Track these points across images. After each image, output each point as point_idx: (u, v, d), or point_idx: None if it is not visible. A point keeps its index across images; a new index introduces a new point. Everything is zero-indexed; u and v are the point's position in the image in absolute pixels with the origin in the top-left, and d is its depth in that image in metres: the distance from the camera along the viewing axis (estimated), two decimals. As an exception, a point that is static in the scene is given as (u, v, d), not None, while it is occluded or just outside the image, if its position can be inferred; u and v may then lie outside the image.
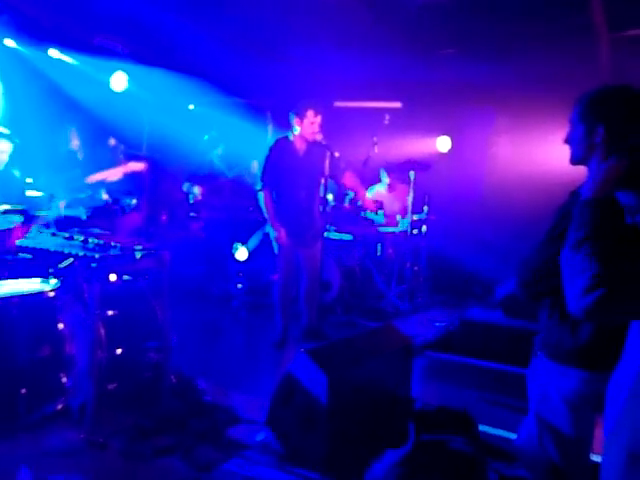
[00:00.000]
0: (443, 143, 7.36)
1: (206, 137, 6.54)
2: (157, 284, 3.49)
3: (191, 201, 6.34)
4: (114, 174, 5.20)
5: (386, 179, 6.68)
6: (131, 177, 5.45)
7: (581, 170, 1.88)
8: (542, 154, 6.43)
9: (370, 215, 6.49)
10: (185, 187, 6.41)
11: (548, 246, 1.77)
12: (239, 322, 5.71)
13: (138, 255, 3.22)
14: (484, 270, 6.42)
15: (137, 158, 5.46)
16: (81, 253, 3.09)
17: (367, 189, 6.51)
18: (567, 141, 1.90)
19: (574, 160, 1.89)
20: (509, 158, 6.98)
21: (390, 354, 3.13)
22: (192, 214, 6.47)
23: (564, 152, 1.92)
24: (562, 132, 1.92)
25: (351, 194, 5.93)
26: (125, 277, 3.49)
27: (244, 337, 5.33)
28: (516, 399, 3.33)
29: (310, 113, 4.43)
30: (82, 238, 3.32)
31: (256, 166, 6.15)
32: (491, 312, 4.52)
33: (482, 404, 3.60)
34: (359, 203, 5.83)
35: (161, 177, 6.50)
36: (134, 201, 4.68)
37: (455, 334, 4.59)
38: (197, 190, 6.33)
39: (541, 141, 6.44)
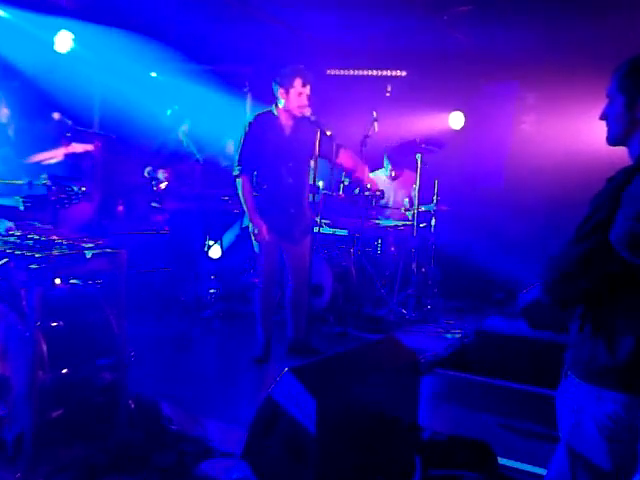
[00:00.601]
0: (456, 120, 7.38)
1: (169, 112, 6.48)
2: (112, 289, 3.47)
3: (154, 188, 6.30)
4: (58, 155, 5.15)
5: (389, 164, 6.69)
6: (79, 159, 5.41)
7: (621, 151, 1.87)
8: (575, 133, 6.48)
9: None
10: (147, 171, 6.36)
11: (578, 242, 1.76)
12: (212, 334, 5.70)
13: (88, 254, 3.19)
14: (505, 271, 6.46)
15: (86, 136, 5.40)
16: (18, 252, 3.05)
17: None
18: (604, 117, 1.89)
19: (612, 139, 1.89)
20: (536, 138, 7.03)
21: (392, 372, 3.12)
22: (155, 204, 6.43)
23: (601, 130, 1.91)
24: (598, 108, 1.92)
25: (346, 180, 5.92)
26: (72, 281, 3.46)
27: (218, 353, 5.31)
28: (544, 426, 3.34)
29: (297, 82, 4.42)
30: (19, 234, 3.28)
31: (232, 147, 6.12)
32: (513, 322, 4.55)
33: (503, 432, 3.59)
34: (368, 187, 5.82)
35: (116, 159, 6.46)
36: (83, 188, 4.63)
37: (470, 348, 4.61)
38: (161, 175, 6.28)
39: (574, 118, 6.48)
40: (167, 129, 6.60)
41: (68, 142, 5.26)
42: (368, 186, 5.63)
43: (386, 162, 6.71)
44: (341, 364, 2.96)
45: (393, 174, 6.68)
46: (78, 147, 5.36)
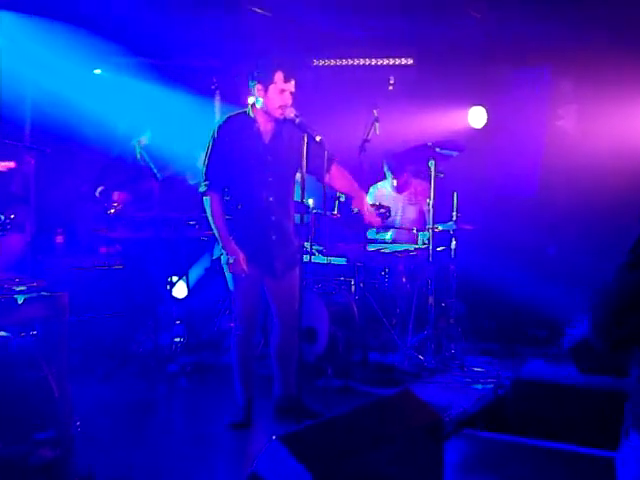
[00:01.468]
0: (477, 117, 7.43)
1: (125, 120, 6.51)
2: (51, 342, 3.46)
3: (107, 212, 6.31)
4: None
5: (391, 177, 6.71)
6: (6, 181, 5.40)
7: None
8: (627, 128, 6.51)
9: (375, 235, 6.48)
10: (98, 192, 6.37)
11: (634, 269, 1.76)
12: (178, 395, 5.65)
13: (20, 299, 3.18)
14: (546, 303, 6.46)
15: (13, 151, 5.40)
16: None
17: (367, 190, 6.55)
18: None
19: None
20: (576, 136, 7.07)
21: (409, 437, 3.09)
22: (104, 232, 6.42)
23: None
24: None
25: (343, 196, 5.93)
26: (0, 333, 3.43)
27: (187, 418, 5.27)
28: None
29: (278, 77, 4.44)
30: None
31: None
32: (558, 367, 4.54)
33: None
34: (355, 211, 5.85)
35: (54, 178, 6.44)
36: (12, 216, 4.61)
37: (506, 401, 4.59)
38: (116, 197, 6.28)
39: (625, 109, 6.52)
40: (121, 139, 6.63)
41: None
42: (354, 211, 5.57)
43: (387, 172, 6.73)
44: (343, 429, 2.93)
45: (395, 183, 6.70)
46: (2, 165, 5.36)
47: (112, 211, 6.24)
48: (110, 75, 7.70)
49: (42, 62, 6.84)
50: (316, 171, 4.48)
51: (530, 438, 4.23)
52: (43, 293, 3.32)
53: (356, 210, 5.81)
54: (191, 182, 6.42)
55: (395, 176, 6.69)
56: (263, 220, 4.57)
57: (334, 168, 4.72)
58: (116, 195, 6.31)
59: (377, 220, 5.28)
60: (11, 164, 5.25)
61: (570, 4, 6.26)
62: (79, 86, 7.12)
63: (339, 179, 4.81)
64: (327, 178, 4.54)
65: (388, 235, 6.69)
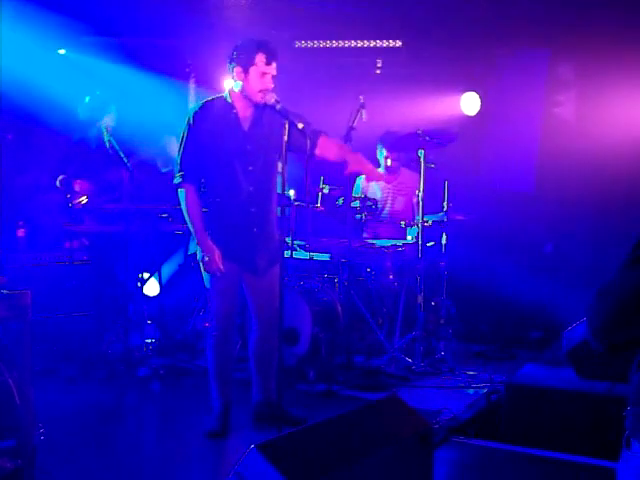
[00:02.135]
0: (469, 103, 7.45)
1: (87, 99, 6.46)
2: (12, 344, 3.43)
3: (69, 204, 6.26)
4: None
5: (384, 156, 6.69)
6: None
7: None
8: (630, 117, 6.53)
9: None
10: (58, 181, 6.32)
11: (636, 266, 1.77)
12: (150, 401, 5.65)
13: (-22, 298, 3.15)
14: (542, 303, 6.49)
15: None
16: None
17: (353, 181, 6.56)
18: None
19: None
20: (575, 124, 7.09)
21: (396, 445, 3.10)
22: (69, 225, 6.38)
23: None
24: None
25: (326, 188, 5.93)
26: (-43, 335, 3.42)
27: (159, 426, 5.27)
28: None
29: (260, 59, 4.43)
30: None
31: (175, 145, 6.08)
32: (555, 371, 4.56)
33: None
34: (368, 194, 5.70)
35: (14, 166, 6.40)
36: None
37: (500, 407, 4.60)
38: (77, 187, 6.23)
39: (627, 96, 6.54)
40: (86, 122, 6.58)
41: None
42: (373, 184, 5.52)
43: (380, 150, 6.71)
44: (326, 436, 2.94)
45: (389, 163, 6.68)
46: None
47: (78, 202, 6.20)
48: (75, 55, 7.65)
49: (1, 42, 6.78)
50: (301, 149, 4.47)
51: (525, 446, 4.25)
52: (3, 291, 3.30)
53: (341, 201, 5.84)
54: (162, 170, 6.38)
55: (389, 153, 6.66)
56: (243, 212, 4.57)
57: (322, 139, 4.70)
58: (78, 185, 6.24)
59: (377, 175, 5.27)
60: None
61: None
62: (42, 67, 7.07)
63: (330, 148, 4.77)
64: (319, 150, 4.63)
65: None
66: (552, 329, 6.20)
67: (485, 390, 5.38)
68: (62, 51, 7.61)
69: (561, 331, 4.74)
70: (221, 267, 4.51)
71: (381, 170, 6.76)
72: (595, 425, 4.03)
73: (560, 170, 6.98)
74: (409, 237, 6.43)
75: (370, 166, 4.98)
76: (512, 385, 4.67)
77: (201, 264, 4.57)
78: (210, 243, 4.51)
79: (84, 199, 6.22)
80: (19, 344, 3.40)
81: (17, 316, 3.31)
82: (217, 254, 4.50)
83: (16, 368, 3.39)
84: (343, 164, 4.91)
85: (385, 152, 6.70)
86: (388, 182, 6.72)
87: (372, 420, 3.16)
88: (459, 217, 6.34)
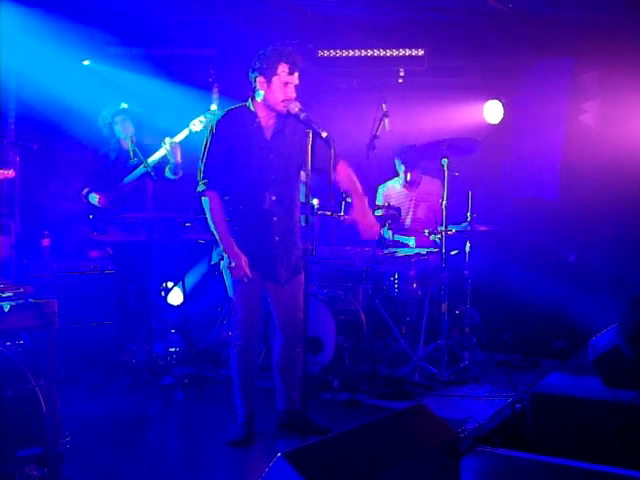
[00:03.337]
0: (493, 111, 7.43)
1: (105, 112, 6.45)
2: (39, 353, 3.44)
3: (91, 216, 6.29)
4: None
5: (404, 171, 6.71)
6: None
7: None
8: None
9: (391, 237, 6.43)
10: (83, 194, 6.35)
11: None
12: (174, 409, 5.64)
13: (6, 307, 3.17)
14: (567, 312, 6.44)
15: (2, 153, 5.41)
16: None
17: (375, 190, 6.56)
18: None
19: None
20: (600, 132, 7.04)
21: (422, 454, 3.08)
22: (94, 235, 6.42)
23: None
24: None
25: (350, 197, 5.92)
26: (-16, 343, 3.43)
27: (182, 435, 5.26)
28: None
29: (282, 69, 4.44)
30: None
31: (177, 150, 6.02)
32: (582, 380, 4.52)
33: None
34: (390, 202, 5.75)
35: (40, 177, 6.45)
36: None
37: (525, 417, 4.56)
38: (94, 199, 6.22)
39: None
40: (108, 134, 6.61)
41: None
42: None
43: (399, 165, 6.72)
44: (353, 445, 2.93)
45: (408, 177, 6.68)
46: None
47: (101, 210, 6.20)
48: (100, 66, 7.72)
49: (27, 52, 6.85)
50: (324, 168, 4.44)
51: (550, 456, 4.21)
52: (31, 300, 3.31)
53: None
54: (170, 176, 6.29)
55: (408, 169, 6.67)
56: (265, 221, 4.57)
57: (341, 166, 4.72)
58: (93, 196, 6.23)
59: (372, 233, 4.84)
60: (9, 172, 5.22)
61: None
62: (67, 78, 7.13)
63: (344, 179, 4.78)
64: (333, 176, 4.54)
65: (412, 241, 6.64)
66: (576, 338, 6.16)
67: (510, 399, 5.34)
68: (87, 62, 7.68)
69: (585, 340, 4.71)
70: (248, 272, 4.50)
71: (401, 181, 6.77)
72: (621, 434, 3.98)
73: (584, 179, 6.95)
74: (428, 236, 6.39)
75: (367, 219, 4.74)
76: (537, 394, 4.62)
77: (225, 271, 4.57)
78: (236, 249, 4.50)
79: (104, 209, 6.23)
80: (45, 352, 3.40)
81: (43, 324, 3.31)
82: (244, 260, 4.49)
83: (42, 376, 3.40)
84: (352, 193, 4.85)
85: (404, 167, 6.70)
86: (410, 191, 6.72)
87: (399, 429, 3.15)
88: (482, 228, 6.31)
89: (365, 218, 4.75)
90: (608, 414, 4.11)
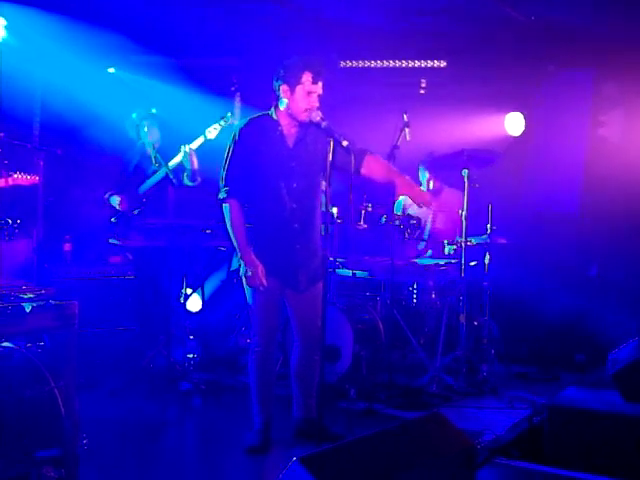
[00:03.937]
0: (514, 123, 7.42)
1: (134, 115, 6.51)
2: (59, 354, 3.46)
3: (113, 220, 6.32)
4: None
5: (427, 179, 6.69)
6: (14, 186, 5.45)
7: None
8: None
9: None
10: (107, 196, 6.39)
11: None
12: (191, 415, 5.66)
13: (28, 307, 3.18)
14: (586, 326, 6.40)
15: (23, 152, 5.44)
16: None
17: (394, 201, 6.55)
18: None
19: None
20: (621, 145, 7.01)
21: (438, 464, 3.07)
22: (115, 241, 6.45)
23: None
24: None
25: (370, 206, 5.91)
26: (5, 344, 3.44)
27: (200, 441, 5.27)
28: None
29: (306, 78, 4.45)
30: None
31: (194, 157, 6.06)
32: (600, 394, 4.48)
33: None
34: (408, 212, 5.67)
35: (63, 182, 6.50)
36: (18, 221, 4.65)
37: (542, 430, 4.53)
38: (115, 201, 6.25)
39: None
40: (132, 139, 6.66)
41: (7, 172, 5.29)
42: (408, 212, 5.51)
43: (422, 173, 6.71)
44: (369, 451, 2.93)
45: (431, 185, 6.68)
46: (22, 179, 5.41)
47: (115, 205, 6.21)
48: (124, 74, 7.78)
49: (52, 59, 6.92)
50: (345, 167, 4.42)
51: (568, 470, 4.18)
52: (52, 301, 3.33)
53: (384, 219, 5.82)
54: (188, 183, 6.31)
55: (432, 176, 6.66)
56: (285, 229, 4.58)
57: (369, 158, 4.71)
58: (114, 199, 6.26)
59: (429, 198, 5.08)
60: (36, 178, 5.27)
61: (621, 5, 6.22)
62: (91, 85, 7.20)
63: (378, 169, 4.78)
64: (365, 170, 4.65)
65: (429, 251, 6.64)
66: (596, 351, 6.10)
67: (528, 412, 5.31)
68: (111, 69, 7.74)
69: (605, 354, 4.67)
70: (264, 282, 4.51)
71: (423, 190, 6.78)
72: (640, 449, 3.95)
73: (605, 191, 6.91)
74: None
75: (418, 189, 4.95)
76: (555, 407, 4.59)
77: (244, 279, 4.58)
78: (253, 258, 4.51)
79: (126, 214, 6.25)
80: (66, 354, 3.42)
81: (64, 326, 3.33)
82: (260, 269, 4.50)
83: (62, 378, 3.41)
84: (390, 186, 4.90)
85: (428, 174, 6.70)
86: (434, 196, 6.72)
87: (415, 436, 3.14)
88: (502, 240, 6.29)
89: (413, 189, 4.87)
90: (627, 428, 4.07)
